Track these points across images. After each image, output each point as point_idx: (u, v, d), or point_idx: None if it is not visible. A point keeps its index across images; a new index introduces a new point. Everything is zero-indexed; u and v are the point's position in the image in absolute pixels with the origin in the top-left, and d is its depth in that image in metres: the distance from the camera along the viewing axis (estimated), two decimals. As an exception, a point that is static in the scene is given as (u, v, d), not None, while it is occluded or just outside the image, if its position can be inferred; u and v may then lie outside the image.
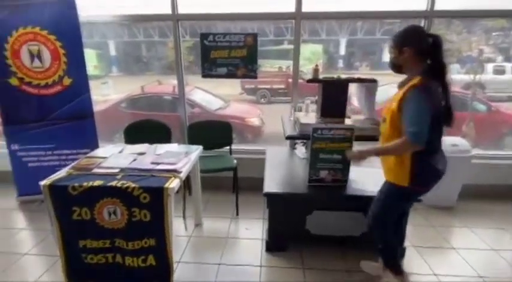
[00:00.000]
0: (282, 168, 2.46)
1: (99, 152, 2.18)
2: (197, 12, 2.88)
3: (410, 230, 2.09)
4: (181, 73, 2.99)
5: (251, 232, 2.40)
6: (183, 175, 1.81)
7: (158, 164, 1.94)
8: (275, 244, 2.15)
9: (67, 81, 2.67)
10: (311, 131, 1.94)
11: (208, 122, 3.01)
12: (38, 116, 2.71)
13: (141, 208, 1.65)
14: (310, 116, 2.42)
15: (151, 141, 2.52)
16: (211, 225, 2.52)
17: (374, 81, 2.03)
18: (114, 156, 2.06)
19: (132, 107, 5.19)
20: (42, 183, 1.65)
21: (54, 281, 1.86)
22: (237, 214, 2.67)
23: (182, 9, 2.83)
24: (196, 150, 2.26)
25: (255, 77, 2.90)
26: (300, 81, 2.94)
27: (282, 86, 8.55)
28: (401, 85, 1.54)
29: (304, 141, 2.86)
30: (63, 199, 1.65)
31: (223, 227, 2.47)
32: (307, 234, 2.08)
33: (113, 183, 1.64)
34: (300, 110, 2.65)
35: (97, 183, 1.65)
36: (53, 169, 2.84)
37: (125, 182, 1.66)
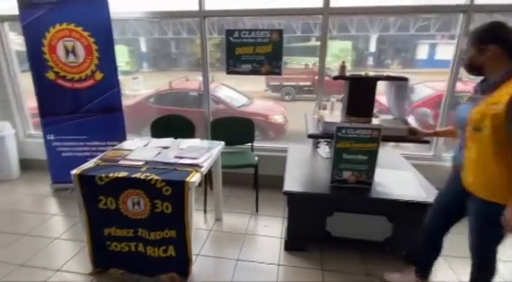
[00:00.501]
0: (303, 167, 2.42)
1: (125, 144, 2.25)
2: (224, 9, 2.88)
3: (438, 237, 1.97)
4: (206, 69, 3.02)
5: (270, 230, 2.39)
6: (204, 170, 1.83)
7: (181, 158, 1.97)
8: (294, 244, 2.12)
9: (99, 75, 2.79)
10: (335, 130, 1.89)
11: (231, 119, 3.02)
12: (71, 109, 2.86)
13: (163, 200, 1.69)
14: (335, 114, 2.36)
15: (176, 135, 2.57)
16: (231, 220, 2.53)
17: (405, 79, 1.93)
18: (140, 149, 2.12)
19: (160, 102, 5.33)
20: (73, 172, 1.73)
21: (81, 265, 1.96)
22: (257, 211, 2.67)
23: (209, 6, 2.86)
24: (218, 145, 2.28)
25: (279, 74, 2.87)
26: (327, 78, 2.87)
27: (308, 83, 8.42)
28: (487, 87, 1.30)
29: (328, 140, 2.79)
30: (90, 188, 1.72)
31: (243, 223, 2.48)
32: (328, 236, 2.04)
33: (137, 175, 1.69)
34: (325, 108, 2.59)
35: (122, 174, 1.70)
36: (84, 159, 2.98)
37: (148, 174, 1.70)
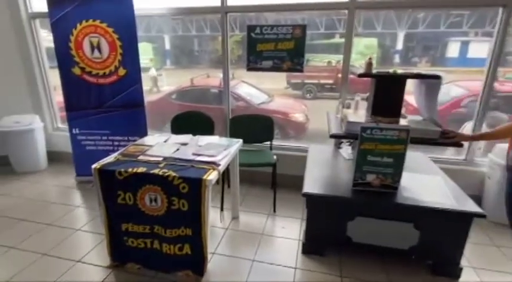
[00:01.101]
0: (324, 168, 2.33)
1: (146, 140, 2.27)
2: (246, 4, 2.83)
3: (469, 248, 1.84)
4: (226, 66, 2.99)
5: (288, 231, 2.32)
6: (221, 168, 1.79)
7: (199, 155, 1.95)
8: (312, 247, 2.05)
9: (122, 71, 2.83)
10: (359, 130, 1.79)
11: (251, 116, 2.98)
12: (95, 104, 2.92)
13: (180, 197, 1.67)
14: (359, 114, 2.25)
15: (195, 131, 2.57)
16: (248, 219, 2.49)
17: (437, 77, 1.79)
18: (159, 145, 2.12)
19: (181, 98, 5.39)
20: (93, 166, 1.75)
21: (100, 258, 1.99)
22: (274, 211, 2.61)
23: (231, 1, 2.82)
24: (236, 143, 2.24)
25: (301, 71, 2.79)
26: (351, 76, 2.75)
27: (330, 81, 8.21)
28: None
29: (351, 141, 2.69)
30: (110, 183, 1.74)
31: (260, 223, 2.43)
32: (348, 241, 1.95)
33: (155, 170, 1.69)
34: (349, 107, 2.48)
35: (140, 169, 1.70)
36: (107, 153, 3.04)
37: (166, 170, 1.69)
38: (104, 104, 2.92)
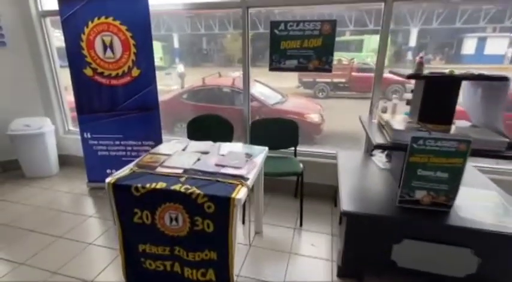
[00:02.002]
0: (359, 180, 2.09)
1: (162, 148, 2.07)
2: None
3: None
4: (247, 65, 2.77)
5: (318, 250, 2.10)
6: (250, 182, 1.58)
7: (223, 166, 1.74)
8: (350, 270, 1.82)
9: (136, 72, 2.64)
10: (410, 141, 1.54)
11: (273, 120, 2.75)
12: (108, 106, 2.75)
13: (204, 217, 1.46)
14: (397, 119, 2.00)
15: (213, 136, 2.37)
16: (273, 234, 2.28)
17: (505, 79, 1.53)
18: (178, 154, 1.92)
19: (193, 98, 5.21)
20: (107, 180, 1.56)
21: (114, 278, 1.81)
22: (301, 225, 2.39)
23: (252, -4, 2.60)
24: (262, 152, 2.02)
25: (330, 71, 2.54)
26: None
27: (343, 80, 7.93)
28: None
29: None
30: (125, 199, 1.54)
31: (286, 239, 2.21)
32: (393, 266, 1.71)
33: (176, 186, 1.48)
34: (385, 111, 2.23)
35: (160, 185, 1.50)
36: (120, 159, 2.91)
37: (188, 186, 1.48)
38: (117, 106, 2.74)
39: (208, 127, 2.76)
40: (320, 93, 8.16)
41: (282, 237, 2.24)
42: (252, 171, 1.69)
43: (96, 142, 2.85)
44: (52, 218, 2.46)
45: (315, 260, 2.00)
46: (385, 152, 2.47)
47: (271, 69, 2.65)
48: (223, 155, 1.92)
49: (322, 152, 2.82)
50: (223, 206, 1.41)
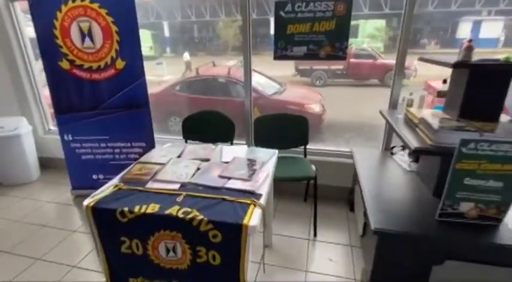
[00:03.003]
0: (383, 186, 1.82)
1: (154, 155, 1.75)
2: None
3: None
4: (249, 54, 2.43)
5: (338, 266, 1.84)
6: (264, 200, 1.28)
7: (228, 178, 1.44)
8: (380, 294, 1.56)
9: (120, 64, 2.28)
10: (458, 144, 1.26)
11: (279, 116, 2.43)
12: (90, 104, 2.40)
13: (209, 248, 1.17)
14: (430, 114, 1.71)
15: (212, 135, 2.09)
16: (284, 248, 2.01)
17: None
18: (173, 162, 1.61)
19: (187, 90, 4.88)
20: (85, 203, 1.25)
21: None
22: (315, 235, 2.12)
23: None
24: (272, 157, 1.73)
25: (344, 58, 2.23)
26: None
27: (341, 67, 7.60)
28: None
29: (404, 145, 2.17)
30: (109, 226, 1.24)
31: (300, 253, 1.95)
32: (431, 290, 1.45)
33: (173, 210, 1.18)
34: (411, 105, 1.94)
35: (152, 208, 1.20)
36: (107, 163, 2.58)
37: (188, 209, 1.18)
38: (100, 104, 2.39)
39: (206, 125, 2.45)
40: (317, 81, 7.84)
41: (296, 251, 1.97)
42: (264, 184, 1.40)
43: (78, 145, 2.51)
44: (30, 235, 2.15)
45: (336, 279, 1.74)
46: (407, 151, 2.20)
47: (277, 57, 2.32)
48: (226, 163, 1.62)
49: (335, 151, 2.53)
50: (232, 235, 1.12)
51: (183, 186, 1.39)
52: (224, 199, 1.26)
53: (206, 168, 1.54)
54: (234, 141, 2.40)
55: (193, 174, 1.48)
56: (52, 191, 2.77)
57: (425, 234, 1.38)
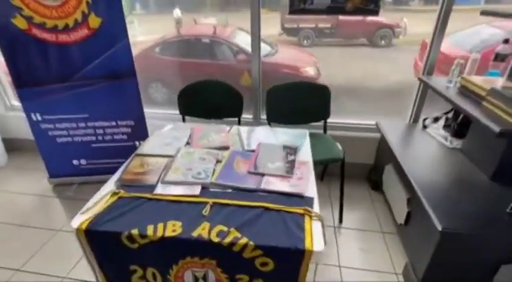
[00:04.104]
0: (428, 168, 1.56)
1: (155, 142, 1.37)
2: None
3: None
4: (257, 7, 1.96)
5: (372, 257, 1.64)
6: (317, 208, 0.98)
7: (262, 175, 1.11)
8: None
9: (95, 21, 1.77)
10: None
11: (295, 85, 2.05)
12: (60, 75, 1.90)
13: (254, 276, 0.88)
14: (489, 82, 1.41)
15: (215, 111, 1.90)
16: (309, 238, 1.77)
17: None
18: (183, 154, 1.24)
19: (168, 52, 4.30)
20: (75, 226, 0.89)
21: None
22: (341, 221, 1.90)
23: None
24: (304, 138, 1.41)
25: (376, 13, 1.83)
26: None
27: (329, 25, 7.09)
28: None
29: (438, 116, 1.91)
30: (114, 253, 0.91)
31: (328, 244, 1.72)
32: (493, 288, 1.28)
33: (202, 230, 0.86)
34: (460, 72, 1.62)
35: (172, 228, 0.87)
36: (89, 146, 2.15)
37: (223, 227, 0.86)
38: (73, 74, 1.90)
39: (207, 98, 2.04)
40: (305, 41, 7.31)
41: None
42: (310, 181, 1.09)
43: (51, 126, 2.05)
44: (3, 239, 1.78)
45: (373, 273, 1.55)
46: (442, 123, 1.94)
47: (293, 11, 1.88)
48: (252, 151, 1.28)
49: (356, 124, 2.23)
50: (290, 264, 0.83)
51: (205, 188, 1.05)
52: (267, 208, 0.95)
53: (229, 161, 1.19)
54: (244, 117, 2.04)
55: (214, 171, 1.13)
56: (24, 180, 2.34)
57: (499, 233, 1.16)
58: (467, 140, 1.65)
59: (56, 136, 2.08)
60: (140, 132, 2.10)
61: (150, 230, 0.86)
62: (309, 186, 1.05)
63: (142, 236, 0.85)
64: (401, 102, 2.21)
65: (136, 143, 2.16)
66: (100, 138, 2.12)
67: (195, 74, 3.87)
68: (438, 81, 1.74)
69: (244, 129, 1.48)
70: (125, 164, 1.20)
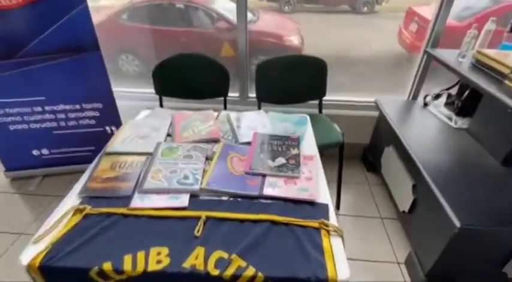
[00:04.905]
0: (434, 151, 1.44)
1: (128, 135, 1.12)
2: None
3: None
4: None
5: (373, 247, 1.55)
6: (333, 217, 0.82)
7: (262, 176, 0.92)
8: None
9: (39, -22, 1.40)
10: None
11: (288, 59, 1.81)
12: (4, 49, 1.54)
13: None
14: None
15: (199, 90, 1.70)
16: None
17: None
18: (164, 151, 1.02)
19: (137, 18, 3.81)
20: (25, 261, 0.67)
21: None
22: (338, 208, 1.79)
23: None
24: (305, 124, 1.22)
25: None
26: None
27: (310, -11, 6.69)
28: None
29: (439, 93, 1.79)
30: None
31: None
32: (501, 279, 1.23)
33: (195, 258, 0.67)
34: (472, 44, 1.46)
35: (156, 257, 0.67)
36: (50, 133, 1.85)
37: (222, 253, 0.68)
38: (20, 49, 1.55)
39: (188, 76, 1.77)
40: (286, 7, 6.89)
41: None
42: (320, 181, 0.91)
43: (0, 111, 1.72)
44: (-45, 246, 1.53)
45: (376, 264, 1.47)
46: (443, 100, 1.81)
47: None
48: (247, 144, 1.08)
49: (352, 101, 2.06)
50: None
51: (194, 196, 0.86)
52: (273, 221, 0.77)
53: (221, 159, 0.99)
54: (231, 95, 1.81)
55: (205, 172, 0.93)
56: (-23, 173, 2.02)
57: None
58: (475, 119, 1.53)
59: (8, 123, 1.75)
60: (110, 115, 1.83)
61: (127, 263, 0.66)
62: (321, 190, 0.88)
63: (118, 271, 0.66)
64: (392, 76, 2.07)
65: (107, 128, 1.88)
66: (62, 124, 1.82)
67: (169, 43, 3.46)
68: (447, 54, 1.57)
69: (234, 116, 1.26)
70: (90, 167, 0.96)
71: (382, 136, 1.89)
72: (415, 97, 1.97)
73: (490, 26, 1.43)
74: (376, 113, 1.97)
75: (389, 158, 1.72)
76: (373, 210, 1.77)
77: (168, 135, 1.13)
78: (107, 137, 1.91)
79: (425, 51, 1.67)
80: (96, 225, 0.75)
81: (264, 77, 1.76)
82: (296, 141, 1.08)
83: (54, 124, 1.81)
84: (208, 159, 1.00)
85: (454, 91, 1.80)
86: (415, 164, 1.35)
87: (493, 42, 1.47)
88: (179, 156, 0.98)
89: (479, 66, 1.35)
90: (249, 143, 1.08)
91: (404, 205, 1.49)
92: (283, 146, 1.06)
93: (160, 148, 1.02)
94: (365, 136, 2.08)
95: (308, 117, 1.29)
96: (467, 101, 1.62)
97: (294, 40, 4.02)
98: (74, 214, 0.78)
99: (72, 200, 0.84)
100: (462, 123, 1.61)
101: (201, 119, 1.21)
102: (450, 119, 1.66)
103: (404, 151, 1.47)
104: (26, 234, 1.59)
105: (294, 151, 1.03)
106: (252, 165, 0.95)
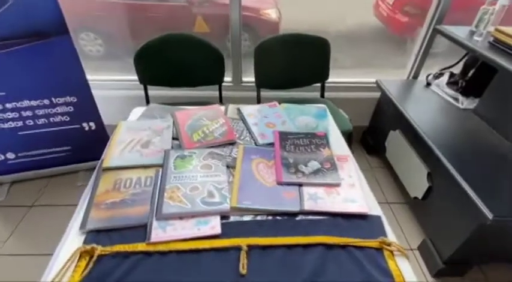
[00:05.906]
0: (444, 134, 1.40)
1: (125, 142, 0.93)
2: None
3: None
4: None
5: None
6: (391, 234, 0.73)
7: (298, 185, 0.80)
8: (456, 270, 1.33)
9: None
10: None
11: (289, 38, 1.63)
12: None
13: None
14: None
15: (189, 77, 1.53)
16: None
17: None
18: (178, 164, 0.85)
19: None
20: None
21: None
22: (345, 195, 1.73)
23: None
24: (326, 117, 1.10)
25: None
26: None
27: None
28: None
29: (440, 72, 1.74)
30: None
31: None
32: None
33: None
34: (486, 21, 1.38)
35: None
36: (15, 135, 1.56)
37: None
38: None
39: (176, 61, 1.54)
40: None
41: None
42: (364, 187, 0.81)
43: (-52, 111, 1.41)
44: None
45: (391, 252, 1.45)
46: (445, 79, 1.76)
47: None
48: (269, 145, 0.94)
49: (350, 83, 1.95)
50: None
51: (225, 218, 0.72)
52: (327, 245, 0.66)
53: (245, 167, 0.84)
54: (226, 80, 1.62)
55: (230, 185, 0.79)
56: None
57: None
58: (484, 100, 1.49)
59: (-38, 125, 1.46)
60: (87, 110, 1.59)
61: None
62: (369, 199, 0.78)
63: None
64: (374, 51, 2.03)
65: (84, 125, 1.63)
66: (29, 122, 1.54)
67: (136, 18, 3.08)
68: (458, 31, 1.48)
69: (247, 111, 1.10)
70: (88, 189, 0.77)
71: (384, 119, 1.83)
72: (415, 76, 1.90)
73: (504, 0, 1.35)
74: (374, 94, 1.89)
75: (397, 142, 1.66)
76: (379, 195, 1.74)
77: (173, 138, 0.96)
78: (84, 135, 1.67)
79: (434, 29, 1.58)
80: (114, 270, 0.60)
81: (263, 60, 1.59)
82: (324, 139, 0.96)
83: (20, 123, 1.53)
84: (229, 167, 0.86)
85: (455, 70, 1.76)
86: (433, 151, 1.30)
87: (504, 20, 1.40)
88: (195, 168, 0.83)
89: (497, 44, 1.28)
90: (270, 144, 0.94)
91: (417, 192, 1.46)
92: (311, 145, 0.93)
93: (171, 158, 0.85)
94: (363, 118, 2.01)
95: (327, 108, 1.16)
96: (473, 80, 1.58)
97: (271, 13, 3.76)
98: (80, 258, 0.62)
99: (72, 235, 0.67)
100: (468, 104, 1.58)
101: (208, 117, 1.04)
102: (456, 99, 1.62)
103: (416, 136, 1.41)
104: (2, 255, 1.37)
105: (326, 151, 0.91)
106: (284, 174, 0.82)
